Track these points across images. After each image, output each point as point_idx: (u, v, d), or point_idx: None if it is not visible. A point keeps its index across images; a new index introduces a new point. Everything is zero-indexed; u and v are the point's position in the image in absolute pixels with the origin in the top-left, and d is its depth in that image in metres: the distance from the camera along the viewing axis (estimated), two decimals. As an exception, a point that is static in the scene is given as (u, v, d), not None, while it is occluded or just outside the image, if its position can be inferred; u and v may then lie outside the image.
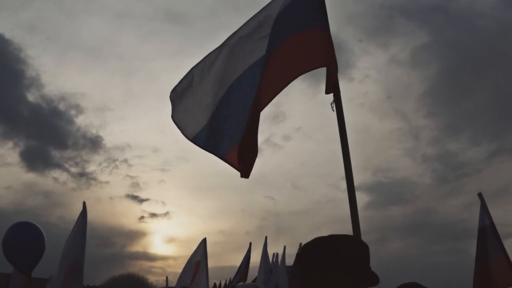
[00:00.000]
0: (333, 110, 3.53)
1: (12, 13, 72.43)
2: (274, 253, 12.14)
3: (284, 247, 12.96)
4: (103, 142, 68.82)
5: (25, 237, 7.47)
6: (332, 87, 3.66)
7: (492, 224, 6.07)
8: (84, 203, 6.62)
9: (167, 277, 13.54)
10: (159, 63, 78.16)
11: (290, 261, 13.35)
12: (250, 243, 12.33)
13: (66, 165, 67.48)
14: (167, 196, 70.73)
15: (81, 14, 76.72)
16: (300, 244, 12.95)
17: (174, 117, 4.08)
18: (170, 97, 4.07)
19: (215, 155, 3.87)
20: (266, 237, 12.00)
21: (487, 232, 6.06)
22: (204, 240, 10.31)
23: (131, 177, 73.04)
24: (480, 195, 6.29)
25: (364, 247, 1.86)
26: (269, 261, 11.90)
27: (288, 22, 3.84)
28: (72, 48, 77.57)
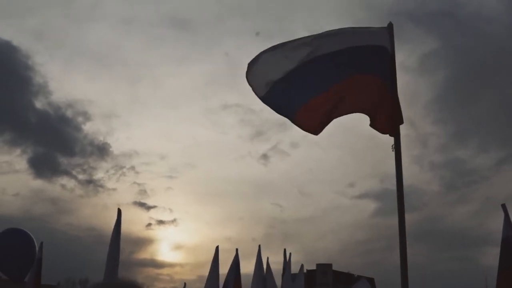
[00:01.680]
0: (392, 150, 3.86)
1: (19, 20, 72.84)
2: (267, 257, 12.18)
3: (290, 254, 12.98)
4: (110, 149, 68.80)
5: (15, 244, 7.22)
6: (393, 129, 4.03)
7: None
8: (118, 210, 6.74)
9: (185, 283, 13.85)
10: (165, 69, 78.42)
11: (295, 268, 13.28)
12: (237, 249, 12.35)
13: (74, 172, 67.53)
14: (174, 203, 70.54)
15: (87, 21, 77.11)
16: (284, 250, 12.91)
17: (247, 76, 4.28)
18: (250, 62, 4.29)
19: (283, 115, 4.24)
20: (259, 246, 12.23)
21: (511, 242, 6.18)
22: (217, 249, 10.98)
23: (138, 184, 73.08)
24: (503, 206, 6.45)
25: None
26: (263, 269, 12.01)
27: (358, 60, 4.23)
28: (78, 55, 77.96)
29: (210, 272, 10.97)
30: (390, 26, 4.25)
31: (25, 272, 7.54)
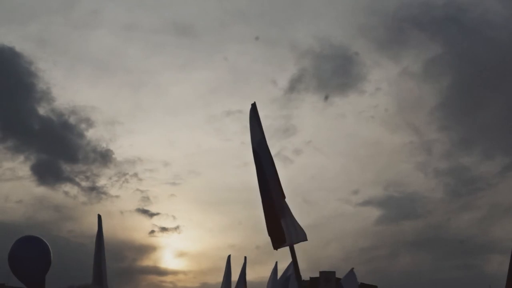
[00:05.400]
0: None
1: (22, 26, 73.31)
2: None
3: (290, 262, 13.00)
4: (113, 156, 68.75)
5: (32, 252, 7.32)
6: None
7: None
8: (98, 216, 6.69)
9: None
10: (167, 76, 78.46)
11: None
12: (245, 257, 12.42)
13: (77, 179, 67.33)
14: (178, 210, 70.31)
15: (89, 27, 77.35)
16: (245, 257, 12.83)
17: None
18: None
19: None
20: (245, 257, 12.36)
21: None
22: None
23: (141, 191, 72.84)
24: None
25: None
26: (245, 280, 12.21)
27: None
28: (81, 61, 78.13)
29: (224, 282, 11.12)
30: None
31: (41, 279, 7.62)
